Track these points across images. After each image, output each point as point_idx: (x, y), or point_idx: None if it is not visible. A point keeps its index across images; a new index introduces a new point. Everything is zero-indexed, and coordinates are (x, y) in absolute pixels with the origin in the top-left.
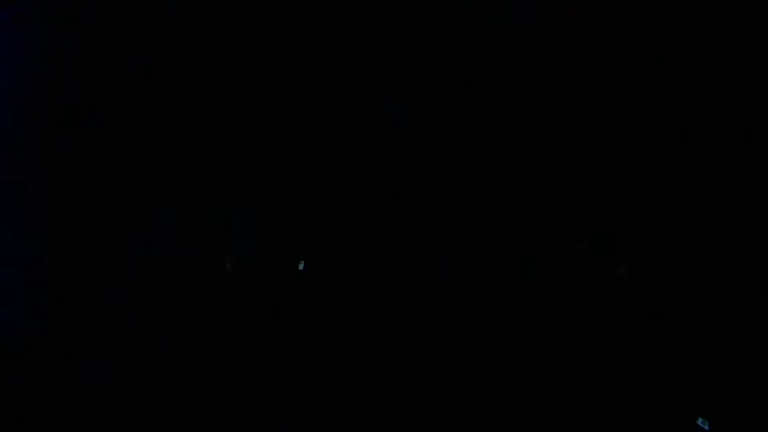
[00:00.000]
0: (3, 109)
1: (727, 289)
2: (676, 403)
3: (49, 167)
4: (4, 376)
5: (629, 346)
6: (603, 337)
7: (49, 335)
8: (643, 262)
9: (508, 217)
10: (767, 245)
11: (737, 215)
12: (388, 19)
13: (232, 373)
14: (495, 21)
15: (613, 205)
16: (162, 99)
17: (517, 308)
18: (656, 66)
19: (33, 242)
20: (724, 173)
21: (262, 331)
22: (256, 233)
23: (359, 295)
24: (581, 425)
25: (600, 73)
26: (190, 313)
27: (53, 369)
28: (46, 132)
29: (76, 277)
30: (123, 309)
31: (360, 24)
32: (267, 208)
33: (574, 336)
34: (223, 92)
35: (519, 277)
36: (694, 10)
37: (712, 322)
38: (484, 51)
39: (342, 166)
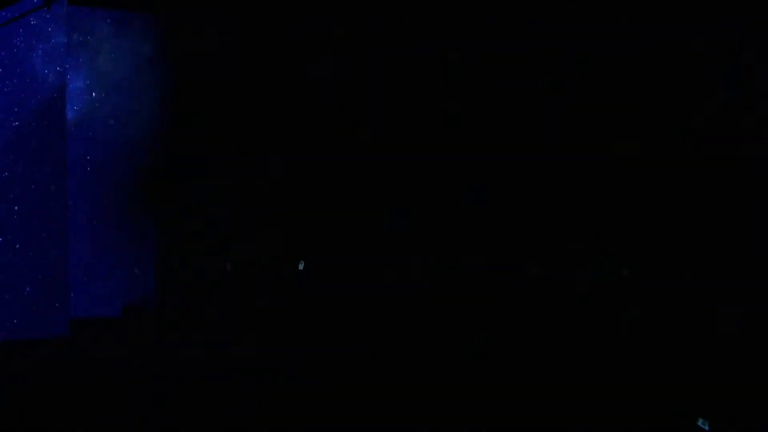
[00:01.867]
0: None
1: (726, 290)
2: (676, 404)
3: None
4: None
5: (630, 346)
6: (603, 338)
7: None
8: (645, 263)
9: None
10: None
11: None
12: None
13: None
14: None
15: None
16: None
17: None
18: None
19: None
20: (716, 178)
21: None
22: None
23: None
24: (583, 425)
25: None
26: None
27: None
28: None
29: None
30: None
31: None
32: None
33: (574, 336)
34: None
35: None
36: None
37: (712, 323)
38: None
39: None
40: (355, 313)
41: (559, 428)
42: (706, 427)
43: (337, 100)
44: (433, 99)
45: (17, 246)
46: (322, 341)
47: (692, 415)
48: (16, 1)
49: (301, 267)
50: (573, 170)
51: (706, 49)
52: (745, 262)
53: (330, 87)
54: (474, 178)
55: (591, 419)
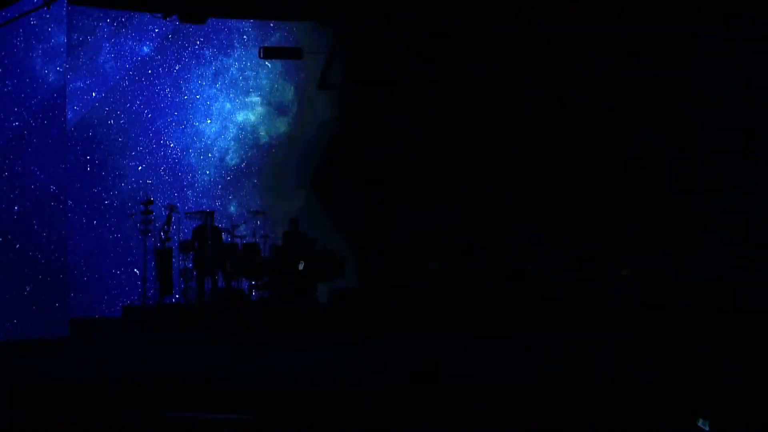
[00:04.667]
0: None
1: (725, 290)
2: (677, 404)
3: None
4: None
5: (630, 346)
6: (603, 338)
7: None
8: (643, 265)
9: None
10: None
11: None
12: None
13: None
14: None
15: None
16: None
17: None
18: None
19: None
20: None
21: None
22: None
23: None
24: (583, 425)
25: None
26: None
27: None
28: None
29: None
30: None
31: None
32: None
33: (573, 335)
34: None
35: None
36: None
37: (712, 323)
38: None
39: None
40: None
41: (561, 428)
42: (707, 428)
43: None
44: None
45: (17, 246)
46: None
47: (693, 416)
48: (16, 1)
49: (300, 267)
50: None
51: None
52: None
53: None
54: None
55: (592, 419)
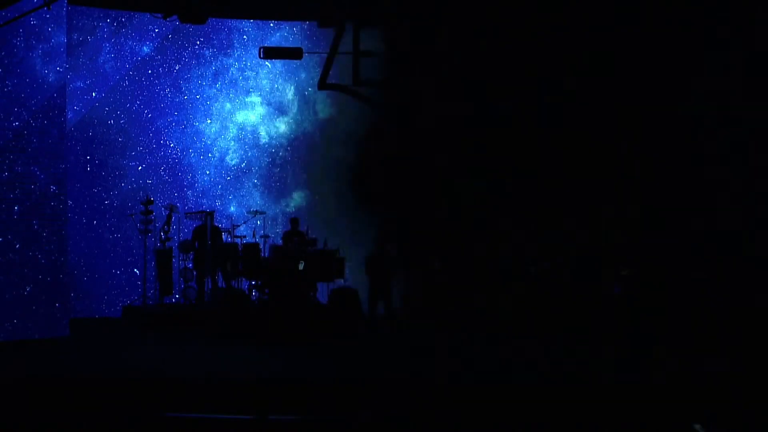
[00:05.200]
0: None
1: (724, 291)
2: (674, 408)
3: None
4: None
5: (630, 347)
6: (603, 338)
7: None
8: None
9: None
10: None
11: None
12: None
13: None
14: None
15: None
16: None
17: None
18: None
19: None
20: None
21: None
22: None
23: None
24: (582, 426)
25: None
26: None
27: None
28: None
29: None
30: None
31: None
32: None
33: (572, 336)
34: None
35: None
36: None
37: (711, 325)
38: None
39: None
40: None
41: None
42: None
43: None
44: None
45: (17, 246)
46: None
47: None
48: (17, 1)
49: (300, 267)
50: None
51: None
52: None
53: None
54: None
55: (591, 421)
